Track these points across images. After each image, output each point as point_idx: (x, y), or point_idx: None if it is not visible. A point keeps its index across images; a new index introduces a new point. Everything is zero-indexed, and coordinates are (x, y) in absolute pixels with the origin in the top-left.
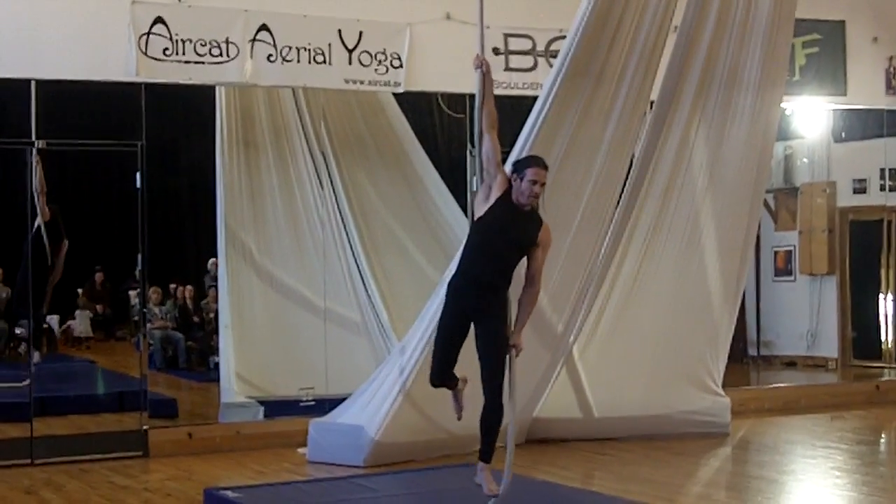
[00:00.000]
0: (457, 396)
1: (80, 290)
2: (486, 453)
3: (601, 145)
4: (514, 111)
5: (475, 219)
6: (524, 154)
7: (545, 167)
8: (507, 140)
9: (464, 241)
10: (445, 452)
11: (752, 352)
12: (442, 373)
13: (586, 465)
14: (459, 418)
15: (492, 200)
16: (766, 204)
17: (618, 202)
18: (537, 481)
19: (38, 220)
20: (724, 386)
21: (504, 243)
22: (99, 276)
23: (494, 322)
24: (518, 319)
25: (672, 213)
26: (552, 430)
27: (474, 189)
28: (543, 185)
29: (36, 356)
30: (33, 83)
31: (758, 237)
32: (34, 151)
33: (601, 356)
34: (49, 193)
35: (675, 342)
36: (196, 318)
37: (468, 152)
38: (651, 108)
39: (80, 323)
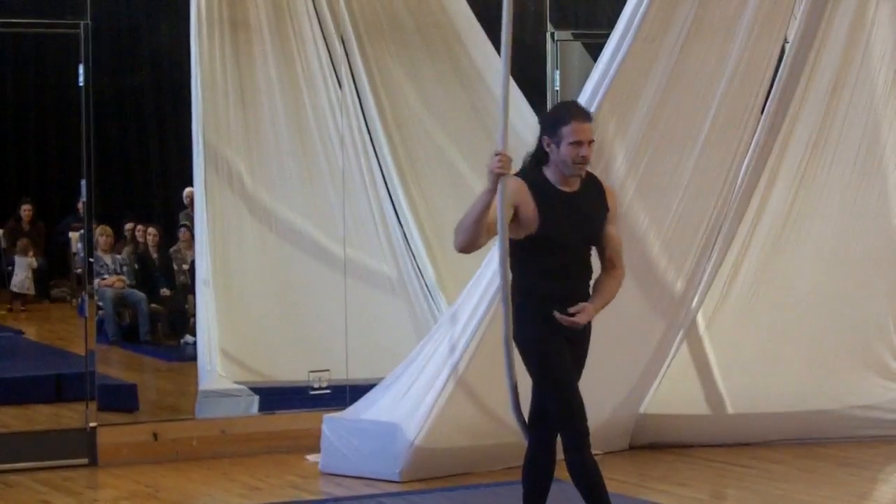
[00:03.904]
0: None
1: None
2: None
3: (739, 24)
4: None
5: (522, 244)
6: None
7: (588, 118)
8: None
9: (519, 254)
10: (514, 463)
11: None
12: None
13: (715, 482)
14: None
15: (529, 214)
16: None
17: (763, 105)
18: (645, 503)
19: None
20: None
21: (575, 250)
22: (27, 211)
23: (587, 345)
24: (591, 298)
25: (841, 121)
26: (667, 432)
27: (556, 87)
28: (591, 142)
29: None
30: None
31: None
32: None
33: (737, 327)
34: None
35: (844, 307)
36: (163, 272)
37: (548, 35)
38: None
39: (20, 273)
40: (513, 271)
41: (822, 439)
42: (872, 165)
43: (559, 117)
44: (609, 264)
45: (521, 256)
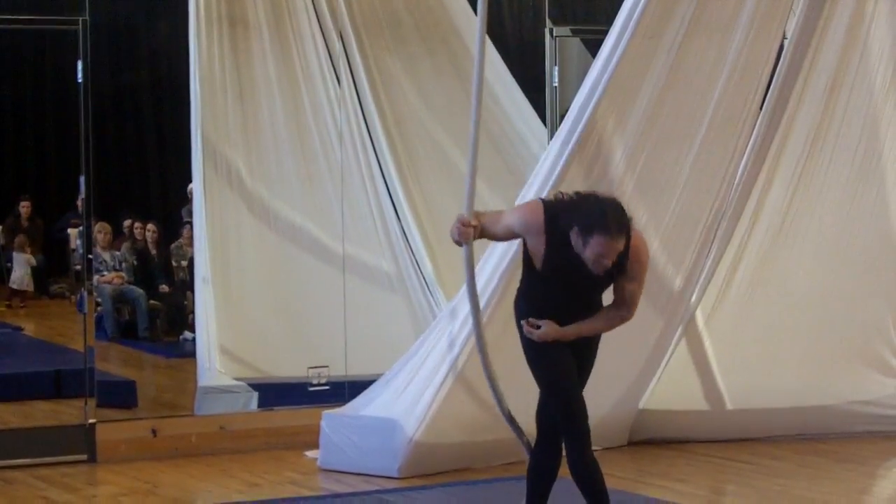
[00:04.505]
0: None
1: None
2: None
3: (738, 21)
4: None
5: (530, 264)
6: None
7: (623, 231)
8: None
9: (526, 262)
10: (513, 459)
11: None
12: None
13: (715, 478)
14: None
15: (535, 251)
16: None
17: (761, 104)
18: (644, 499)
19: None
20: None
21: (576, 292)
22: (25, 207)
23: (594, 353)
24: (583, 321)
25: (840, 119)
26: (666, 428)
27: (555, 83)
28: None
29: None
30: None
31: None
32: None
33: (736, 324)
34: None
35: (842, 304)
36: (162, 268)
37: (546, 31)
38: None
39: (18, 269)
40: (522, 271)
41: (821, 435)
42: (871, 163)
43: (594, 223)
44: (618, 303)
45: (527, 266)
